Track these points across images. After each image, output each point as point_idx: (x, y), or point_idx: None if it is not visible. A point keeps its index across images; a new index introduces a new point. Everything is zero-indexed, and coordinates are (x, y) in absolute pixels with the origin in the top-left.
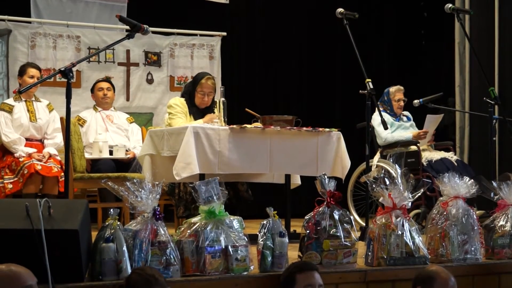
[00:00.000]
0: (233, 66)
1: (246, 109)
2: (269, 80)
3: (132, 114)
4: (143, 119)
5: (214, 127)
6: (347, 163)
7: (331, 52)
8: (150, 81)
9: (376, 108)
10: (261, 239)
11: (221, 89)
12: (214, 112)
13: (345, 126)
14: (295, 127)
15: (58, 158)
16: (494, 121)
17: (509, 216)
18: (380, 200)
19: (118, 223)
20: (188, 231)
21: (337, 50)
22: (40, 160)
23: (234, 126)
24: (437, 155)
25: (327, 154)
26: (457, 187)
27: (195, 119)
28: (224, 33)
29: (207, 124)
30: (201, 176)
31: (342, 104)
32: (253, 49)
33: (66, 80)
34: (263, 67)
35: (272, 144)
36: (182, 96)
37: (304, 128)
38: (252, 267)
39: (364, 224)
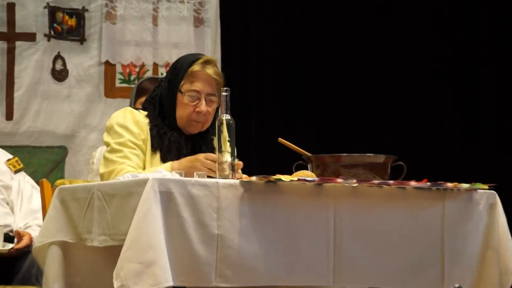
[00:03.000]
0: (248, 43)
1: (280, 140)
2: (324, 77)
3: (19, 151)
4: (45, 160)
5: (207, 181)
6: None
7: (466, 19)
8: (60, 74)
9: None
10: None
11: (224, 94)
12: (211, 148)
13: (506, 178)
14: (391, 182)
15: None
16: None
17: None
18: None
19: None
20: None
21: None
22: None
23: (253, 178)
24: None
25: (466, 241)
26: None
27: (167, 160)
28: None
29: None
30: None
31: (495, 126)
32: (290, 8)
33: None
34: (310, 47)
35: (339, 219)
36: (143, 108)
37: (413, 183)
38: None
39: None
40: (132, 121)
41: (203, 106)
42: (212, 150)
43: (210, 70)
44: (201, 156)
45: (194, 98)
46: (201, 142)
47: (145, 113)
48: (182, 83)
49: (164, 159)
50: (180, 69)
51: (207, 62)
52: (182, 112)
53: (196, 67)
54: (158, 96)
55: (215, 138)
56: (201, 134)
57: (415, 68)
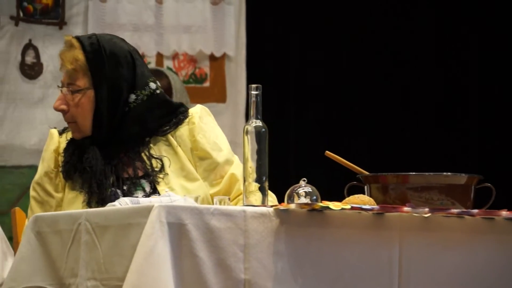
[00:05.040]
0: (285, 24)
1: (328, 153)
2: (386, 70)
3: None
4: (11, 185)
5: (231, 210)
6: None
7: None
8: (31, 69)
9: None
10: None
11: (254, 93)
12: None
13: None
14: (475, 211)
15: None
16: None
17: None
18: None
19: None
20: None
21: None
22: None
23: (292, 205)
24: None
25: None
26: None
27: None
28: None
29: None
30: None
31: None
32: None
33: None
34: (368, 29)
35: (406, 260)
36: None
37: (505, 212)
38: None
39: None
40: (45, 149)
41: (55, 102)
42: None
43: (63, 55)
44: None
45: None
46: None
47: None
48: None
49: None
50: None
51: (65, 43)
52: None
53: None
54: None
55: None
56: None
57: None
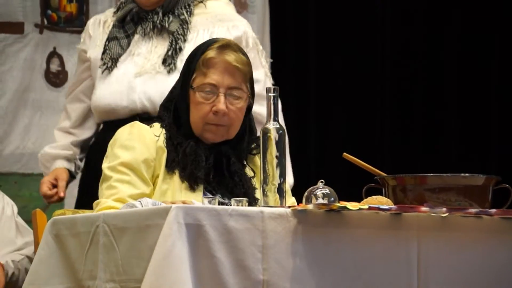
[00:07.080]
0: (307, 33)
1: (345, 155)
2: (409, 76)
3: (3, 180)
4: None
5: (249, 211)
6: None
7: None
8: (56, 77)
9: None
10: None
11: (271, 95)
12: (244, 165)
13: None
14: (492, 210)
15: None
16: None
17: None
18: None
19: None
20: None
21: None
22: None
23: (310, 206)
24: None
25: None
26: None
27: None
28: None
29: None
30: None
31: None
32: None
33: None
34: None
35: (424, 260)
36: (158, 117)
37: None
38: None
39: None
40: (137, 139)
41: (221, 104)
42: (247, 169)
43: (230, 56)
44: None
45: (209, 94)
46: (230, 154)
47: (158, 126)
48: (194, 76)
49: (182, 179)
50: (192, 59)
51: (226, 45)
52: (196, 114)
53: (210, 53)
54: (174, 99)
55: (258, 156)
56: (230, 144)
57: None
